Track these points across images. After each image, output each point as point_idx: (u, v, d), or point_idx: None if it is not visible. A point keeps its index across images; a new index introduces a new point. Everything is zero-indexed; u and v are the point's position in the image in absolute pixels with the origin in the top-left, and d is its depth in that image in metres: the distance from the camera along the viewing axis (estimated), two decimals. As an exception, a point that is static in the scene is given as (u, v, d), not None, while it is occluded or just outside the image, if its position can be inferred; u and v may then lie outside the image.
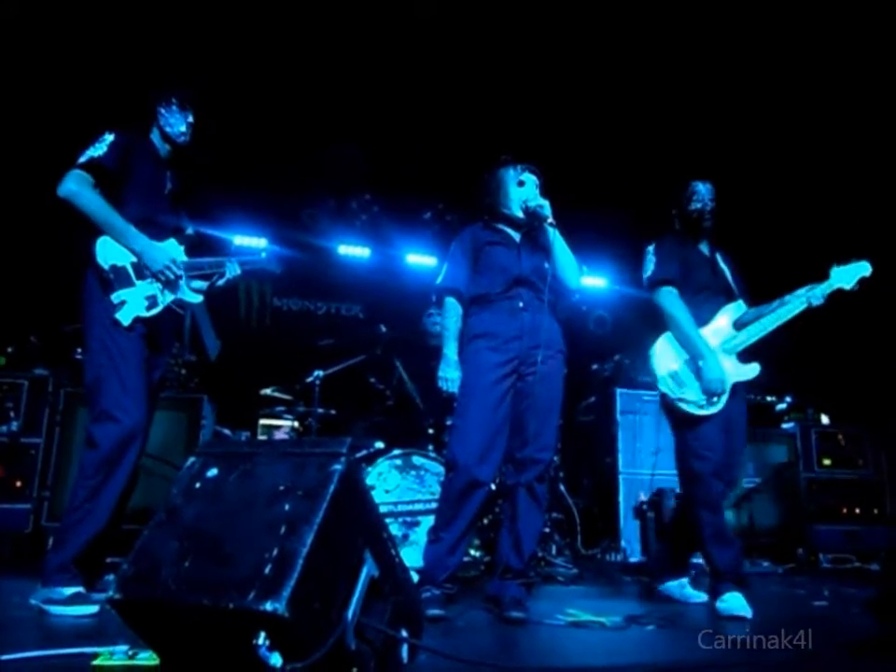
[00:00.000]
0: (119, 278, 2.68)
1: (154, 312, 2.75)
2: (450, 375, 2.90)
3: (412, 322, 4.96)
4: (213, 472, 1.67)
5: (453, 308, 2.99)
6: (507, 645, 2.40)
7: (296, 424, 4.81)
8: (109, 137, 2.73)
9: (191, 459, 1.73)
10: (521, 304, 2.91)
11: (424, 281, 6.00)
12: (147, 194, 2.83)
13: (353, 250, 7.00)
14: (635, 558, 4.41)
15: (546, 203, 2.90)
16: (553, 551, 4.34)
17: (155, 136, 2.94)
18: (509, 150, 3.15)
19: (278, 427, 5.63)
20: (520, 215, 2.99)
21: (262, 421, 5.66)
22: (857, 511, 5.17)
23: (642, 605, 3.14)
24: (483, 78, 5.44)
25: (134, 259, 2.72)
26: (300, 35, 5.09)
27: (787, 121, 5.50)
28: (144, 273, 2.74)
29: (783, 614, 3.10)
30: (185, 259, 2.92)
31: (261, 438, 5.44)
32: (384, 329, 4.61)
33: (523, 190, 2.98)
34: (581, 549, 4.66)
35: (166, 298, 2.81)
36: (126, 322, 2.64)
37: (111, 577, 2.75)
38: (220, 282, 3.02)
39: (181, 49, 4.91)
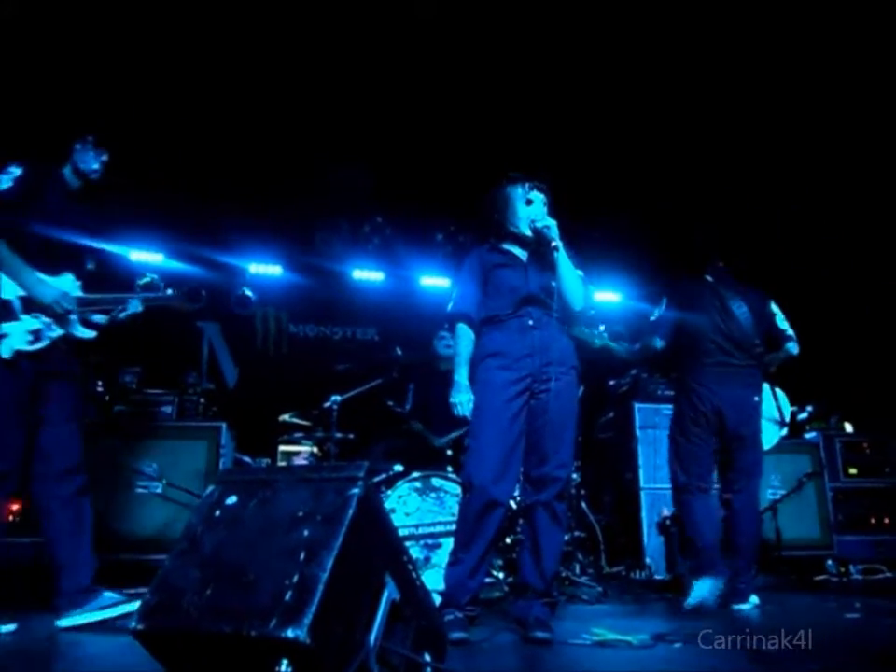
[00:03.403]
0: (2, 311, 2.69)
1: (38, 346, 2.73)
2: (461, 399, 2.90)
3: (427, 344, 4.97)
4: (232, 500, 1.69)
5: (465, 334, 2.99)
6: (532, 666, 2.38)
7: (315, 449, 4.82)
8: (16, 171, 2.76)
9: (211, 487, 1.75)
10: (530, 322, 2.90)
11: (438, 303, 6.02)
12: (48, 227, 2.81)
13: (367, 274, 7.04)
14: (660, 575, 4.34)
15: (553, 224, 2.87)
16: (577, 569, 4.29)
17: (67, 170, 2.97)
18: (519, 167, 3.14)
19: (297, 453, 5.64)
20: (528, 233, 2.98)
21: (282, 447, 5.67)
22: (885, 520, 5.08)
23: (669, 622, 3.09)
24: (493, 97, 5.46)
25: (23, 293, 2.72)
26: (308, 59, 5.14)
27: (795, 129, 5.50)
28: (32, 308, 2.73)
29: (814, 626, 3.04)
30: (79, 293, 2.90)
31: (281, 464, 5.45)
32: (399, 351, 4.62)
33: (531, 209, 2.98)
34: (605, 567, 4.61)
35: (54, 332, 2.79)
36: (6, 355, 2.65)
37: (108, 593, 2.76)
38: (122, 316, 2.99)
39: (189, 75, 4.99)
